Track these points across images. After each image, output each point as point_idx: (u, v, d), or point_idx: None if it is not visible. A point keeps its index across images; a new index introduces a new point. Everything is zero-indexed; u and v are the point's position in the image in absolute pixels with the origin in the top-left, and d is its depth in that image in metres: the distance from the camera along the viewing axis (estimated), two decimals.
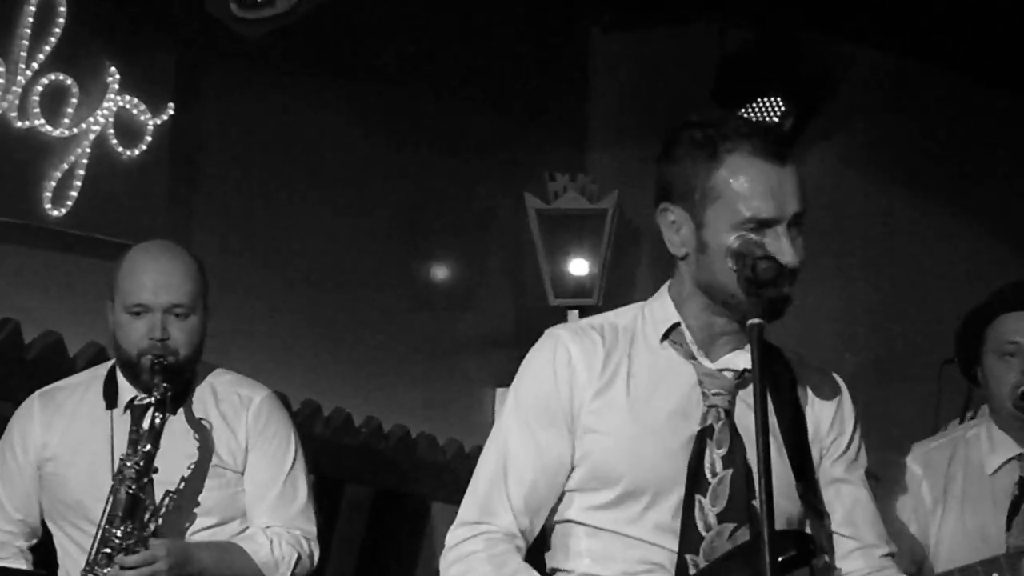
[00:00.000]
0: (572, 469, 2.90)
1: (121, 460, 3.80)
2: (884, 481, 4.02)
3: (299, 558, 4.00)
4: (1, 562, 3.99)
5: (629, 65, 7.91)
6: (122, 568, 3.69)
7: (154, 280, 3.90)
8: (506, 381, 7.42)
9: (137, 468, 3.74)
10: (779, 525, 2.76)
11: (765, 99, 7.37)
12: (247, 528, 4.01)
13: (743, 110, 7.26)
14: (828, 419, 3.01)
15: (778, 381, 2.93)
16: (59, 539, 4.01)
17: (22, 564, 4.01)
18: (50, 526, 4.03)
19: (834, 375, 3.09)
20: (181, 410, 3.92)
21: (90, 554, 3.77)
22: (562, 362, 2.91)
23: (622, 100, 7.87)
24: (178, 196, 6.44)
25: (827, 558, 2.91)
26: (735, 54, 7.39)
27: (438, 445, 6.64)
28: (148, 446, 3.75)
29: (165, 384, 3.79)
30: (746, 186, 2.81)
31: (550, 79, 7.77)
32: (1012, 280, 4.22)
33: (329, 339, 6.75)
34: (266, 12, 6.06)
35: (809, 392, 3.00)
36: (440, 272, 7.52)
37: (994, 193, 7.62)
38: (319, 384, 6.33)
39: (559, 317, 7.06)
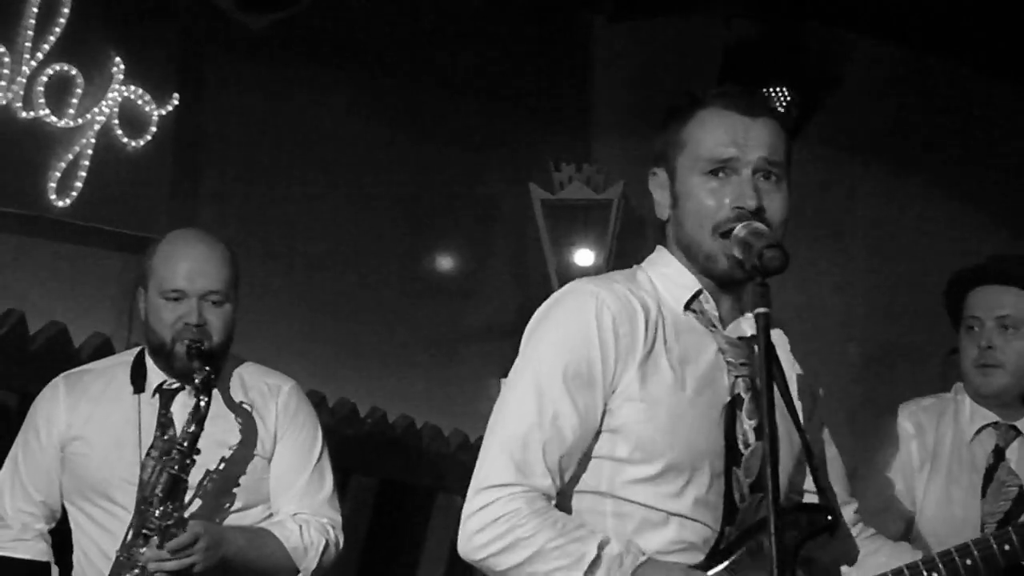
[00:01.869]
0: (599, 434, 2.83)
1: (153, 443, 3.84)
2: (875, 439, 4.08)
3: (327, 545, 4.03)
4: (23, 544, 4.02)
5: (634, 55, 7.90)
6: (168, 551, 3.72)
7: (191, 267, 3.93)
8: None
9: (180, 450, 3.77)
10: (790, 494, 2.85)
11: (769, 89, 7.36)
12: (270, 514, 4.04)
13: None
14: (795, 380, 3.01)
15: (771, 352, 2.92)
16: (78, 519, 4.03)
17: (42, 546, 4.03)
18: (69, 507, 4.05)
19: (783, 334, 3.03)
20: (214, 395, 3.94)
21: (127, 535, 3.80)
22: (607, 324, 2.81)
23: (627, 90, 7.86)
24: (182, 186, 6.45)
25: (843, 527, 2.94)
26: (739, 44, 7.38)
27: (443, 435, 6.64)
28: (192, 427, 3.78)
29: (207, 368, 3.81)
30: (709, 131, 2.86)
31: (555, 69, 7.76)
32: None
33: (334, 330, 6.75)
34: (270, 2, 6.07)
35: (785, 360, 2.98)
36: (445, 263, 7.52)
37: (998, 181, 7.62)
38: (324, 375, 6.33)
39: None
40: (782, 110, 7.29)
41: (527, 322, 2.95)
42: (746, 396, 2.84)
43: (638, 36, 7.85)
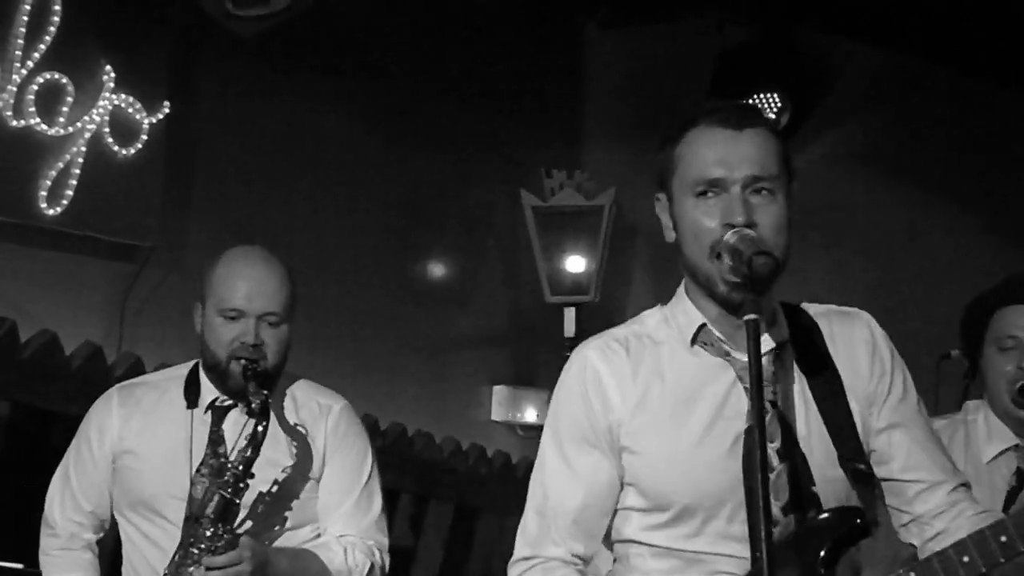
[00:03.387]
0: (622, 487, 2.87)
1: (218, 459, 3.84)
2: None
3: (371, 568, 4.01)
4: (70, 553, 4.03)
5: (626, 61, 7.90)
6: (208, 569, 3.71)
7: (250, 286, 3.91)
8: (502, 379, 7.41)
9: (235, 474, 3.77)
10: (832, 502, 2.79)
11: (762, 95, 7.37)
12: (318, 535, 4.02)
13: None
14: (867, 366, 2.94)
15: (807, 347, 2.88)
16: (127, 531, 4.03)
17: (88, 556, 4.04)
18: (119, 518, 4.05)
19: (861, 315, 3.02)
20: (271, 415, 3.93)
21: (177, 552, 3.79)
22: (592, 382, 2.86)
23: (619, 96, 7.87)
24: (174, 194, 6.44)
25: (875, 531, 2.87)
26: (732, 50, 7.39)
27: (435, 443, 6.63)
28: (249, 452, 3.77)
29: (265, 391, 3.81)
30: (697, 151, 2.83)
31: (546, 75, 7.76)
32: (1017, 271, 4.20)
33: (325, 337, 6.74)
34: (261, 10, 6.06)
35: (840, 344, 2.93)
36: (437, 269, 7.52)
37: (992, 188, 7.62)
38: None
39: (556, 314, 7.06)
40: (774, 115, 7.30)
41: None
42: (767, 418, 2.78)
43: (630, 42, 7.85)
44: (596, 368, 2.86)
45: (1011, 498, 3.95)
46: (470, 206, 7.53)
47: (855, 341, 2.96)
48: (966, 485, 2.97)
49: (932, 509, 2.94)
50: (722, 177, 2.79)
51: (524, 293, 7.42)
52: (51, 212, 5.99)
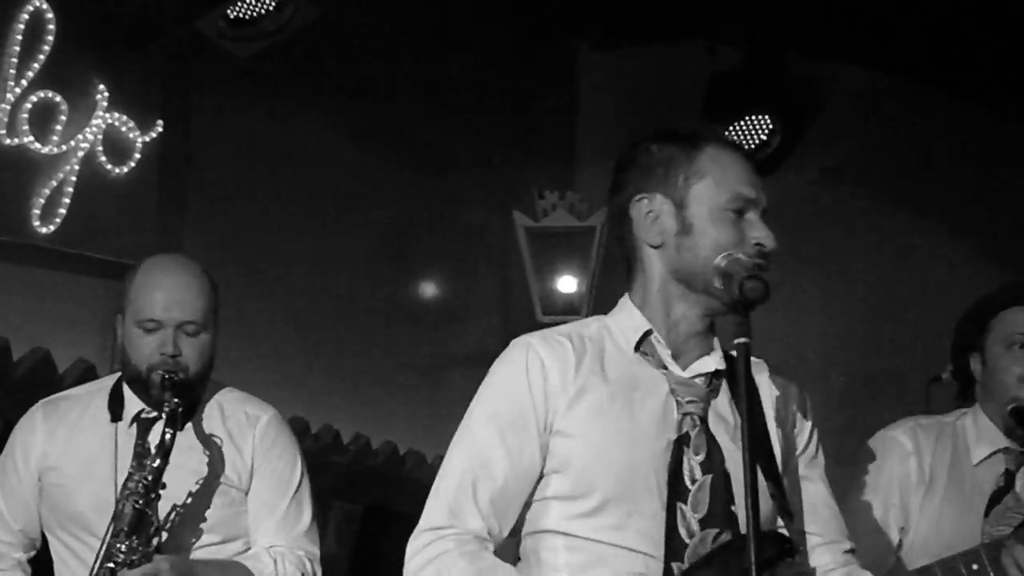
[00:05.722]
0: (542, 476, 2.89)
1: (129, 474, 3.77)
2: (867, 451, 4.02)
3: None
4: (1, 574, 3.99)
5: (618, 83, 7.93)
6: None
7: (167, 296, 3.85)
8: None
9: (145, 484, 3.71)
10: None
11: (753, 117, 7.39)
12: (249, 548, 3.99)
13: (731, 128, 7.29)
14: (788, 416, 3.04)
15: (739, 382, 2.92)
16: (57, 549, 3.98)
17: (19, 575, 3.98)
18: (48, 536, 3.99)
19: (784, 379, 3.11)
20: (189, 426, 3.89)
21: (93, 567, 3.74)
22: (535, 368, 2.89)
23: (611, 118, 7.89)
24: (167, 213, 6.46)
25: (800, 558, 2.93)
26: (724, 72, 7.41)
27: (426, 462, 6.64)
28: (157, 461, 3.72)
29: (176, 400, 3.75)
30: (731, 167, 2.92)
31: (539, 97, 7.79)
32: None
33: (318, 356, 6.75)
34: (255, 30, 6.09)
35: (765, 391, 3.02)
36: (429, 289, 7.54)
37: (981, 210, 7.64)
38: (307, 401, 6.33)
39: None
40: (765, 138, 7.32)
41: None
42: (693, 432, 2.87)
43: (623, 64, 7.88)
44: (540, 355, 2.91)
45: (995, 499, 3.95)
46: (463, 226, 7.55)
47: (781, 394, 3.04)
48: (855, 551, 3.07)
49: (825, 564, 3.03)
50: (754, 199, 2.88)
51: (516, 313, 7.44)
52: (44, 230, 6.00)
